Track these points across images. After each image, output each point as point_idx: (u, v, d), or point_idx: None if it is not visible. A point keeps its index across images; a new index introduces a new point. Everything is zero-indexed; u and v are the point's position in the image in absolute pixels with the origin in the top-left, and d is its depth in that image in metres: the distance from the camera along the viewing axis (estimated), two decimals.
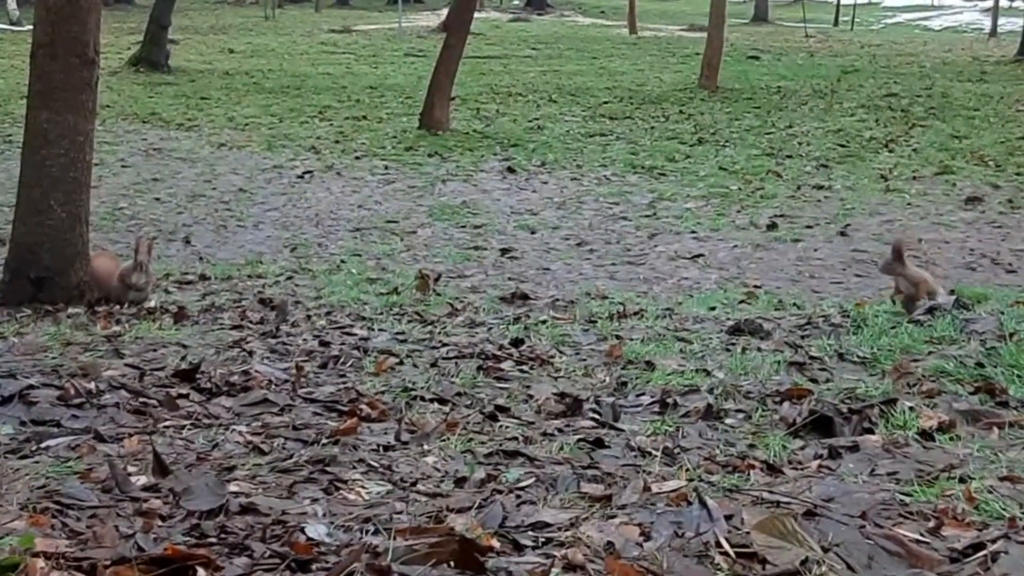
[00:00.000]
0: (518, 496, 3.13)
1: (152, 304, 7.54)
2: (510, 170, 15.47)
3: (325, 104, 20.66)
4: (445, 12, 36.74)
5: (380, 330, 6.21)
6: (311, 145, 16.98)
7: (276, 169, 15.36)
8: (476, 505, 3.02)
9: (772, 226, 12.30)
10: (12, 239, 7.41)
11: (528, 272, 10.59)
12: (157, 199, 13.26)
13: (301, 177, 14.89)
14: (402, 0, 36.64)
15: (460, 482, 3.30)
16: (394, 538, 2.60)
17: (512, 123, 18.92)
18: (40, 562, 2.26)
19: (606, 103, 20.96)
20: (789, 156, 16.27)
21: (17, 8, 29.38)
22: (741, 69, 25.16)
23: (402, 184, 14.66)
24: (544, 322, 6.56)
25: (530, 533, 2.82)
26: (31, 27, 29.71)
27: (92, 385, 4.31)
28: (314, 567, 2.44)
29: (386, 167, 15.66)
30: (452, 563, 2.41)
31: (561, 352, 5.65)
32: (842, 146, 16.96)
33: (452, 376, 5.04)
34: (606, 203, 13.74)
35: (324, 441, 3.75)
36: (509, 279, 10.17)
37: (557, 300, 8.61)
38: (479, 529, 2.75)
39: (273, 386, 4.69)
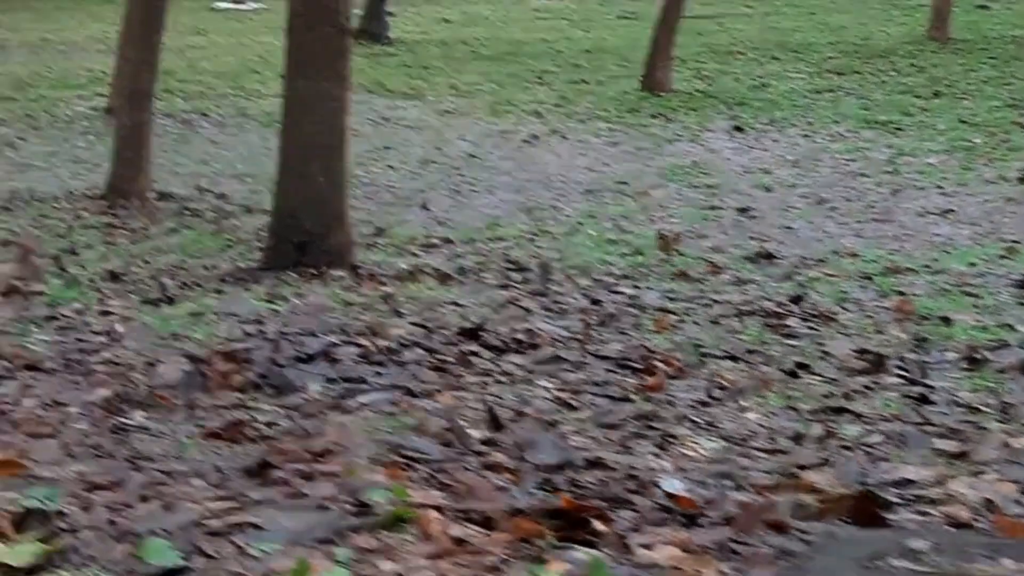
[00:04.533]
0: (866, 452, 2.98)
1: (401, 266, 7.62)
2: (738, 129, 15.15)
3: (543, 69, 20.59)
4: None
5: (647, 288, 6.10)
6: (534, 110, 16.93)
7: (502, 134, 15.36)
8: (823, 461, 2.88)
9: (1023, 179, 11.73)
10: (275, 205, 7.55)
11: (770, 231, 10.32)
12: (390, 166, 13.41)
13: (527, 141, 14.85)
14: None
15: (796, 438, 3.17)
16: (760, 493, 2.49)
17: (735, 82, 18.53)
18: (433, 514, 2.21)
19: (831, 58, 20.35)
20: None
21: None
22: (970, 19, 24.11)
23: (629, 146, 14.50)
24: (817, 279, 6.36)
25: (893, 490, 2.67)
26: (255, 5, 30.32)
27: (388, 343, 4.31)
28: (701, 521, 2.34)
29: (611, 129, 15.51)
30: (849, 518, 2.28)
31: (844, 308, 5.45)
32: None
33: (738, 333, 4.90)
34: (842, 160, 13.33)
35: (634, 397, 3.65)
36: (751, 238, 9.92)
37: (805, 259, 8.38)
38: (839, 486, 2.61)
39: (559, 343, 4.62)
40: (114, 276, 6.75)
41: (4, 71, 19.52)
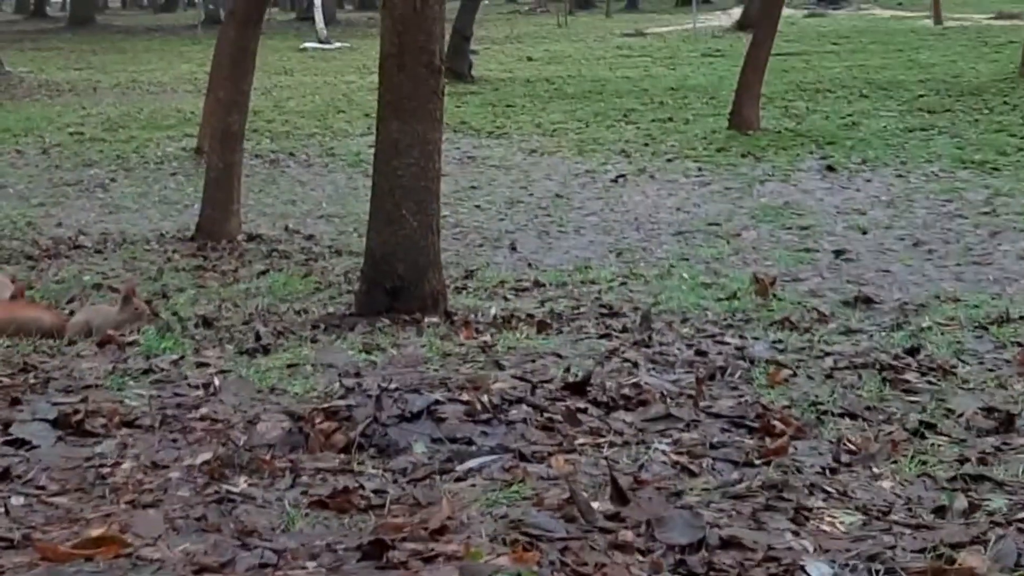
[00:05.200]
0: (1019, 529, 2.77)
1: (492, 311, 7.49)
2: (829, 168, 14.88)
3: (629, 107, 20.47)
4: (737, 11, 36.11)
5: (754, 338, 5.89)
6: (620, 149, 16.80)
7: (589, 174, 15.23)
8: (973, 539, 2.68)
9: None
10: (367, 249, 7.44)
11: (866, 274, 10.05)
12: (477, 206, 13.31)
13: (615, 181, 14.70)
14: (696, 1, 36.15)
15: (939, 511, 2.96)
16: None
17: (824, 120, 18.27)
18: None
19: (922, 96, 20.02)
20: None
21: (325, 27, 30.39)
22: None
23: (718, 186, 14.29)
24: (929, 328, 6.11)
25: None
26: (340, 45, 30.56)
27: (491, 399, 4.15)
28: None
29: (699, 169, 15.31)
30: None
31: (963, 361, 5.21)
32: None
33: (855, 388, 4.68)
34: (937, 201, 13.02)
35: (757, 462, 3.46)
36: (847, 282, 9.67)
37: (906, 304, 8.12)
38: (996, 570, 2.41)
39: (669, 400, 4.43)
40: (207, 322, 6.68)
41: (96, 112, 19.76)
